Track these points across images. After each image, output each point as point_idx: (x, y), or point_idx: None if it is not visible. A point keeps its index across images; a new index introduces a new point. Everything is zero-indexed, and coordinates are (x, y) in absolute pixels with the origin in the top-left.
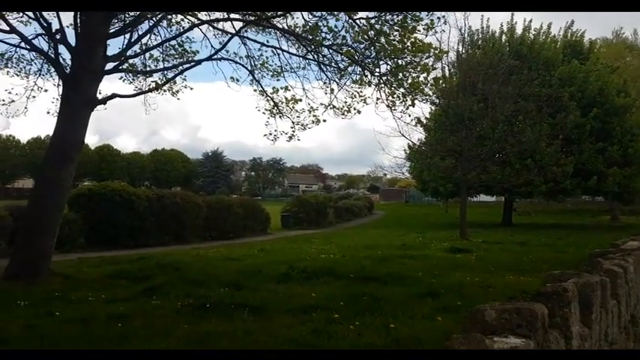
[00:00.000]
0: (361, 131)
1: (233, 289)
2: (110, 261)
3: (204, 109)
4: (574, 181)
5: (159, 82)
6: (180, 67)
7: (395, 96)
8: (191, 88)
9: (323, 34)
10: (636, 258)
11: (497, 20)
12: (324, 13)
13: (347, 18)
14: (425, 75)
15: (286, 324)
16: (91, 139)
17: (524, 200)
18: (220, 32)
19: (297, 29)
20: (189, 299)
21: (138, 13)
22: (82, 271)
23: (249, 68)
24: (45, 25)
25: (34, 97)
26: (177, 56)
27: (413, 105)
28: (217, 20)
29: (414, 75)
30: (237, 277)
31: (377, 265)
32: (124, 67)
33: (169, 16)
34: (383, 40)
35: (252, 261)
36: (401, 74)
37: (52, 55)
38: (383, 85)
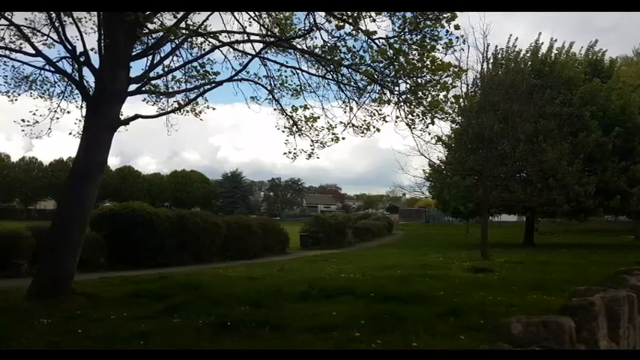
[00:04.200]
0: (380, 151)
1: (253, 308)
2: (131, 280)
3: (223, 131)
4: (596, 200)
5: (181, 102)
6: (202, 88)
7: (414, 114)
8: (213, 109)
9: (342, 54)
10: None
11: (523, 40)
12: (342, 33)
13: (366, 38)
14: (444, 93)
15: (307, 342)
16: (113, 161)
17: (546, 220)
18: (240, 54)
19: (317, 50)
20: (209, 317)
21: (160, 35)
22: (103, 290)
23: (269, 88)
24: (69, 47)
25: (57, 118)
26: (199, 77)
27: (432, 123)
28: (238, 42)
29: (433, 93)
30: (257, 296)
31: (397, 285)
32: (147, 88)
33: (190, 39)
34: (402, 59)
35: (272, 280)
36: (420, 93)
37: (76, 78)
38: (402, 104)
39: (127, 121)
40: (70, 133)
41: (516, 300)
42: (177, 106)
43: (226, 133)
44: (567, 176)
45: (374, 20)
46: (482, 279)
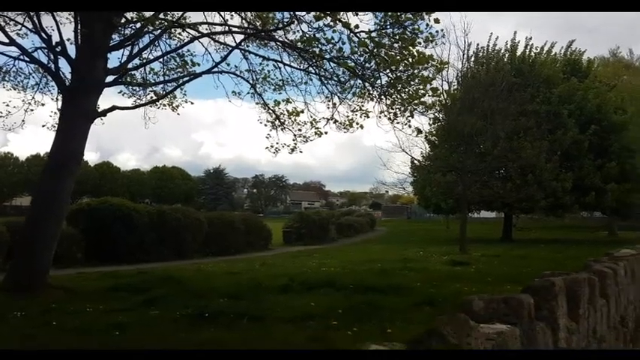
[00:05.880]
0: (364, 148)
1: (233, 300)
2: (110, 275)
3: (206, 126)
4: (573, 196)
5: (158, 94)
6: (181, 80)
7: (395, 107)
8: (192, 103)
9: (321, 46)
10: (628, 263)
11: (501, 38)
12: (321, 24)
13: (347, 31)
14: (423, 85)
15: (285, 331)
16: (92, 157)
17: (524, 216)
18: (222, 46)
19: (299, 43)
20: (187, 309)
21: (139, 25)
22: (80, 285)
23: (251, 82)
24: (45, 37)
25: (31, 110)
26: (178, 69)
27: (412, 116)
28: (217, 33)
29: (413, 87)
30: (237, 289)
31: (377, 277)
32: (125, 79)
33: (170, 30)
34: (382, 51)
35: (253, 274)
36: (400, 85)
37: (52, 68)
38: (383, 97)
39: (103, 113)
40: (44, 126)
41: (491, 290)
42: (154, 97)
43: (209, 128)
44: (545, 173)
45: (356, 14)
46: (459, 272)
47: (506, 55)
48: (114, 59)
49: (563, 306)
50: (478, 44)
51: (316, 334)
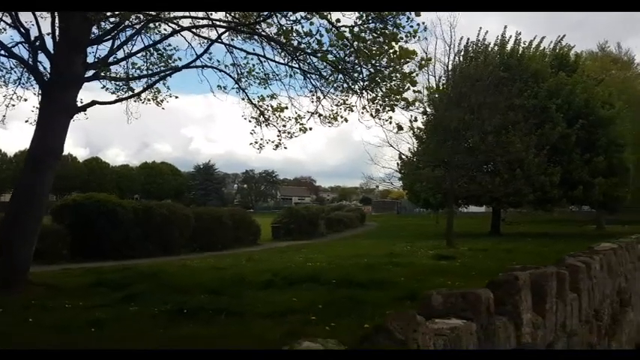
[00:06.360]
0: (354, 144)
1: (214, 296)
2: (94, 271)
3: (196, 122)
4: (561, 190)
5: (139, 88)
6: (161, 75)
7: (376, 102)
8: (176, 97)
9: (299, 39)
10: (605, 257)
11: (493, 33)
12: (298, 17)
13: (327, 24)
14: (401, 82)
15: (263, 327)
16: (81, 152)
17: (512, 210)
18: (205, 40)
19: (277, 36)
20: (166, 305)
21: (118, 19)
22: (63, 281)
23: (235, 76)
24: (23, 31)
25: (13, 105)
26: (161, 65)
27: (392, 110)
28: (197, 27)
29: (394, 81)
30: (220, 285)
31: (362, 272)
32: (105, 74)
33: (151, 25)
34: (361, 45)
35: (238, 270)
36: (379, 79)
37: (31, 63)
38: (364, 92)
39: (83, 108)
40: (27, 121)
41: (473, 284)
42: (135, 92)
43: (199, 124)
44: (533, 167)
45: (343, 15)
46: (444, 266)
47: (496, 49)
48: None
49: (527, 300)
50: (468, 39)
51: (293, 329)
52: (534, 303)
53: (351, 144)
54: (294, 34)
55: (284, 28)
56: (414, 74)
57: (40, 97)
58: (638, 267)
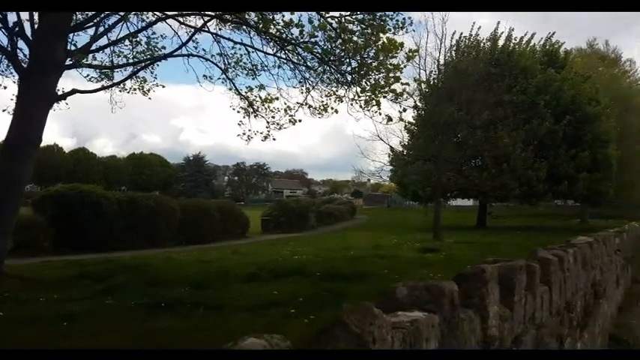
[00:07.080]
0: (347, 137)
1: (195, 289)
2: (76, 264)
3: (186, 112)
4: (546, 185)
5: (127, 77)
6: (147, 63)
7: (365, 94)
8: (163, 86)
9: (280, 28)
10: (580, 250)
11: (486, 29)
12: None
13: (315, 14)
14: (386, 74)
15: (241, 320)
16: (67, 142)
17: (499, 204)
18: (192, 29)
19: (258, 24)
20: (144, 298)
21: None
22: (43, 274)
23: (222, 66)
24: (0, 17)
25: None
26: (147, 53)
27: (378, 105)
28: (182, 15)
29: (382, 72)
30: (203, 278)
31: (347, 265)
32: (87, 61)
33: (134, 13)
34: (345, 37)
35: (223, 263)
36: (364, 71)
37: (10, 49)
38: (352, 85)
39: (64, 96)
40: (5, 110)
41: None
42: (118, 80)
43: (190, 114)
44: (520, 162)
45: (341, 15)
46: (428, 258)
47: (488, 45)
48: (80, 42)
49: (494, 293)
50: (461, 33)
51: (272, 321)
52: (502, 296)
53: (344, 138)
54: (276, 24)
55: (263, 16)
56: (402, 65)
57: (18, 84)
58: (614, 260)
